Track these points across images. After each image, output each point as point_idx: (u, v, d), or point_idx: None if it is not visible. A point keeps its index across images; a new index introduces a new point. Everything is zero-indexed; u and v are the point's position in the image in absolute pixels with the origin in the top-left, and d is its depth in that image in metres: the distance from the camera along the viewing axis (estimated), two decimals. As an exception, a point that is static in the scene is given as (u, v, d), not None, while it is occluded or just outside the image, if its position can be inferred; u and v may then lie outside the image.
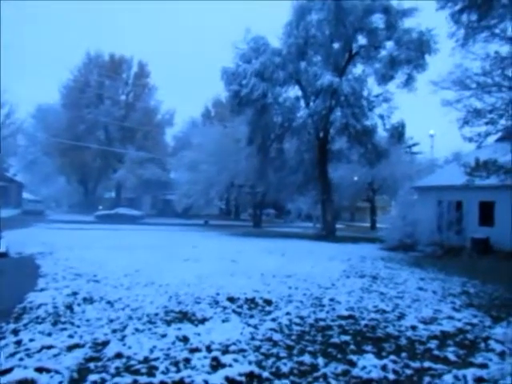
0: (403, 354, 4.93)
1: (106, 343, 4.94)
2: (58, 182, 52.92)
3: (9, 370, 4.03)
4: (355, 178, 35.40)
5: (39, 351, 4.60)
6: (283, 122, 25.45)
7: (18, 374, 3.95)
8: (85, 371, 4.15)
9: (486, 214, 17.97)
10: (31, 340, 4.92)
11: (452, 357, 4.89)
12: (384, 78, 23.26)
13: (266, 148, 26.26)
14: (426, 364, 4.62)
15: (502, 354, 4.94)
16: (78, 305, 6.68)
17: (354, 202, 42.28)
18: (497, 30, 14.18)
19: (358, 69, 25.51)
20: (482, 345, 5.36)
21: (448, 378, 4.18)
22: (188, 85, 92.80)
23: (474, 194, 17.58)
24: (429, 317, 6.68)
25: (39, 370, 4.08)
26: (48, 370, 4.08)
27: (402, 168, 33.64)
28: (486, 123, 14.95)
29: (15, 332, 5.22)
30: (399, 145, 27.70)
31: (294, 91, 25.89)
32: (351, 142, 25.00)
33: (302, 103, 25.76)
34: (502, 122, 14.99)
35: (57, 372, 4.06)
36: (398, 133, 24.40)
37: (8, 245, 13.12)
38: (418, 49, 21.80)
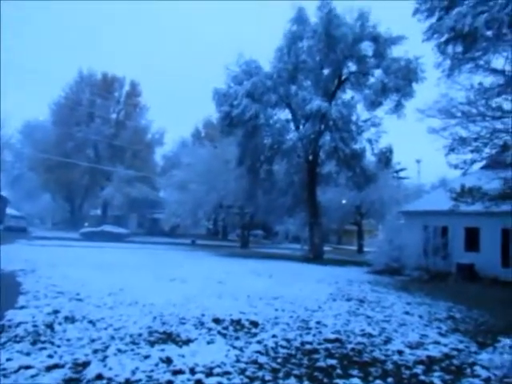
0: (389, 379, 4.88)
1: (86, 364, 4.80)
2: (42, 199, 52.20)
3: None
4: (343, 201, 35.62)
5: (16, 371, 4.44)
6: (273, 144, 25.69)
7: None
8: (63, 393, 4.01)
9: (472, 239, 18.20)
10: (8, 359, 4.76)
11: (438, 382, 4.86)
12: (373, 105, 23.78)
13: (255, 169, 26.38)
14: (413, 389, 4.59)
15: (487, 381, 4.93)
16: (59, 324, 6.50)
17: (341, 225, 42.40)
18: (481, 62, 14.67)
19: (347, 94, 26.14)
20: (468, 370, 5.34)
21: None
22: (179, 105, 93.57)
23: (460, 219, 17.82)
24: (415, 341, 6.65)
25: (15, 391, 3.93)
26: (24, 392, 3.94)
27: (390, 192, 34.02)
28: (471, 151, 15.30)
29: (-8, 351, 5.04)
30: (387, 169, 28.11)
31: (284, 114, 26.36)
32: (340, 165, 25.30)
33: (292, 126, 26.14)
34: (487, 150, 15.35)
35: (34, 393, 3.91)
36: (385, 157, 24.81)
37: (-11, 261, 12.80)
38: (406, 77, 22.37)
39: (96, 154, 47.03)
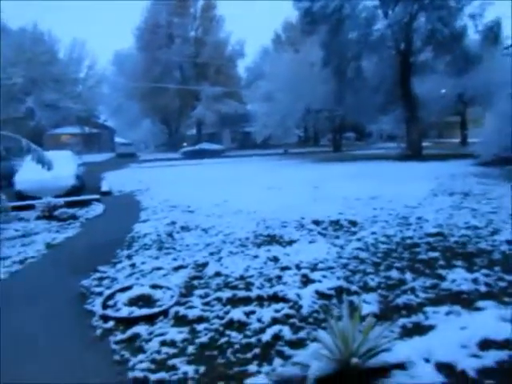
0: (496, 268, 4.83)
1: (205, 264, 5.52)
2: (143, 125, 55.99)
3: (129, 288, 4.73)
4: (443, 91, 32.35)
5: (151, 272, 5.30)
6: (360, 38, 23.56)
7: (137, 291, 4.63)
8: (191, 287, 4.73)
9: None
10: (143, 263, 5.67)
11: (553, 269, 4.68)
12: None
13: (342, 69, 24.78)
14: (522, 277, 4.50)
15: None
16: (177, 232, 7.42)
17: (441, 118, 38.98)
18: None
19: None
20: None
21: (546, 289, 4.06)
22: (256, 12, 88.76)
23: None
24: (527, 231, 6.33)
25: (154, 287, 4.73)
26: (161, 287, 4.73)
27: (499, 74, 29.73)
28: None
29: (129, 257, 6.03)
30: (494, 47, 24.40)
31: (369, 1, 23.64)
32: (437, 50, 22.57)
33: (380, 13, 23.49)
34: None
35: (168, 288, 4.68)
36: (492, 34, 21.47)
37: (109, 185, 14.64)
38: None
39: (182, 75, 48.03)
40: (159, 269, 5.39)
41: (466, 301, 4.01)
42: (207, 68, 46.55)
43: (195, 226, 7.88)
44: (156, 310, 4.11)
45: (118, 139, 51.55)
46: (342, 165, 21.06)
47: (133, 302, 4.35)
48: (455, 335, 3.26)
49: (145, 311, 4.09)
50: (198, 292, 4.56)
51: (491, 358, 2.92)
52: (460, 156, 21.48)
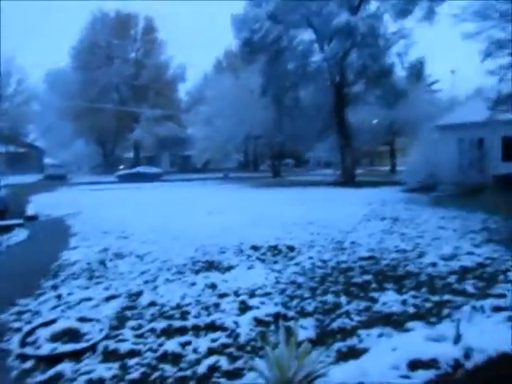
0: (423, 290, 5.10)
1: (139, 293, 5.25)
2: (76, 146, 53.55)
3: (53, 321, 4.37)
4: (374, 122, 34.64)
5: (79, 303, 4.94)
6: (297, 69, 24.69)
7: (62, 324, 4.28)
8: (123, 319, 4.47)
9: (509, 149, 17.59)
10: (70, 294, 5.28)
11: (471, 289, 5.04)
12: (402, 14, 22.05)
13: (280, 97, 25.70)
14: (446, 297, 4.79)
15: (521, 285, 5.06)
16: (110, 260, 7.04)
17: (373, 147, 41.63)
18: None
19: (372, 6, 24.24)
20: (501, 277, 5.48)
21: (466, 308, 4.33)
22: (198, 38, 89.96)
23: (496, 129, 17.11)
24: (449, 254, 6.79)
25: (81, 319, 4.41)
26: (89, 320, 4.41)
27: (422, 107, 32.59)
28: (509, 54, 14.28)
29: (54, 287, 5.59)
30: (418, 83, 26.74)
31: (307, 35, 24.98)
32: (369, 84, 24.22)
33: (316, 47, 24.85)
34: (526, 52, 14.26)
35: (97, 321, 4.38)
36: (416, 71, 23.55)
37: (36, 208, 13.69)
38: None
39: (120, 96, 47.03)
40: (88, 300, 5.05)
41: (397, 322, 4.17)
42: (147, 90, 46.04)
43: (129, 252, 7.55)
44: (83, 345, 3.81)
45: (47, 160, 48.76)
46: (280, 190, 21.51)
47: (57, 337, 4.00)
48: (387, 357, 3.35)
49: (70, 347, 3.77)
50: (130, 323, 4.31)
51: (420, 377, 3.03)
52: (390, 183, 22.84)
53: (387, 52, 23.46)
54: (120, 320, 4.41)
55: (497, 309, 4.26)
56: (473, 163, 18.13)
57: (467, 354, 3.17)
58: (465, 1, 14.54)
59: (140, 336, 4.02)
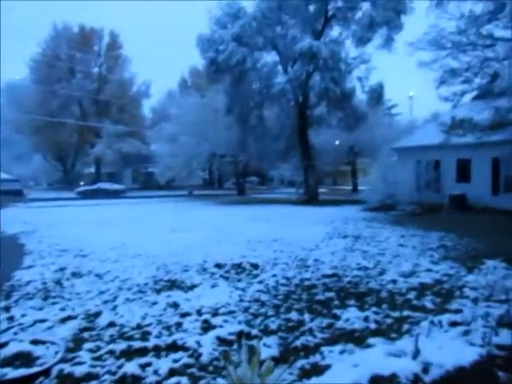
0: (384, 306, 5.21)
1: (98, 314, 5.05)
2: (34, 160, 51.70)
3: (4, 345, 4.12)
4: (336, 143, 35.61)
5: (32, 325, 4.69)
6: (262, 89, 25.17)
7: (13, 348, 4.04)
8: (80, 341, 4.27)
9: (463, 171, 18.51)
10: (23, 315, 5.00)
11: (429, 305, 5.20)
12: (362, 40, 23.01)
13: (245, 116, 25.98)
14: (405, 313, 4.91)
15: (475, 300, 5.27)
16: (67, 279, 6.75)
17: (335, 166, 42.68)
18: (470, -12, 14.13)
19: (334, 31, 25.25)
20: (458, 293, 5.69)
21: (425, 324, 4.46)
22: (164, 55, 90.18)
23: (451, 152, 18.01)
24: (408, 271, 7.01)
25: (35, 342, 4.17)
26: (43, 342, 4.19)
27: (382, 130, 33.93)
28: (462, 82, 15.16)
29: (6, 309, 5.28)
30: (378, 107, 27.84)
31: (270, 57, 25.64)
32: (331, 106, 24.99)
33: (280, 69, 25.47)
34: (477, 80, 15.21)
35: (52, 343, 4.16)
36: (376, 95, 24.44)
37: (-11, 226, 12.98)
38: (394, 8, 21.54)
39: (81, 110, 46.00)
40: (43, 321, 4.80)
41: (359, 338, 4.22)
42: (110, 105, 45.37)
43: (88, 271, 7.27)
44: (36, 369, 3.60)
45: (2, 175, 46.50)
46: (245, 208, 21.52)
47: (7, 361, 3.77)
48: (349, 373, 3.38)
49: (21, 372, 3.55)
50: (87, 345, 4.13)
51: (381, 393, 3.07)
52: (352, 202, 23.41)
53: (348, 76, 24.36)
54: (77, 342, 4.22)
55: (454, 324, 4.41)
56: (430, 184, 18.96)
57: (426, 369, 3.26)
58: (420, 30, 15.39)
59: (98, 358, 3.85)
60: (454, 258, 7.97)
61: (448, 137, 15.61)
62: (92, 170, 49.45)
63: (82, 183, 44.52)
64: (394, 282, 6.36)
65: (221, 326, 4.59)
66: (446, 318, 4.58)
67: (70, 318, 4.92)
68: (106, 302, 5.55)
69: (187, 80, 54.28)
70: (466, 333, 4.05)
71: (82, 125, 42.96)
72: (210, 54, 23.09)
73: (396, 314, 4.92)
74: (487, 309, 4.79)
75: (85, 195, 34.36)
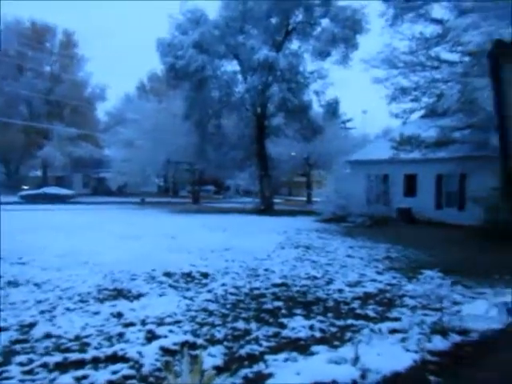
0: (329, 315, 5.31)
1: (33, 324, 4.78)
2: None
3: None
4: (293, 154, 36.22)
5: (-41, 337, 4.35)
6: (221, 97, 25.14)
7: None
8: (10, 354, 4.01)
9: (410, 185, 19.39)
10: (-51, 326, 4.64)
11: (372, 314, 5.37)
12: (321, 55, 23.73)
13: (203, 124, 25.80)
14: (349, 321, 5.04)
15: (413, 308, 5.51)
16: (1, 289, 6.33)
17: (291, 177, 43.42)
18: (422, 11, 15.00)
19: (294, 45, 25.81)
20: (398, 301, 5.92)
21: (366, 331, 4.59)
22: (121, 58, 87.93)
23: (399, 167, 18.83)
24: (354, 280, 7.21)
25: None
26: (-31, 355, 3.90)
27: (337, 143, 34.93)
28: (411, 100, 15.97)
29: None
30: (334, 120, 28.64)
31: (231, 66, 25.79)
32: (288, 117, 25.41)
33: (240, 78, 25.64)
34: (425, 99, 16.08)
35: (-21, 356, 3.88)
36: (332, 109, 25.14)
37: None
38: (352, 27, 22.40)
39: (30, 110, 43.78)
40: (-30, 332, 4.47)
41: (303, 347, 4.27)
42: (62, 107, 43.62)
43: (26, 280, 6.86)
44: (-43, 384, 3.34)
45: None
46: (199, 216, 21.31)
47: None
48: (291, 380, 3.41)
49: None
50: (19, 358, 3.88)
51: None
52: (306, 213, 23.81)
53: (306, 89, 24.92)
54: (7, 355, 3.95)
55: (393, 331, 4.57)
56: (379, 197, 19.67)
57: (364, 375, 3.34)
58: (375, 48, 16.11)
59: (29, 372, 3.62)
60: (397, 269, 8.30)
61: (397, 152, 16.34)
62: (39, 173, 47.11)
63: (25, 187, 42.15)
64: (341, 291, 6.51)
65: (165, 336, 4.48)
66: (386, 325, 4.74)
67: (1, 329, 4.61)
68: (42, 312, 5.26)
69: (146, 84, 53.40)
70: (404, 340, 4.21)
71: (30, 125, 40.85)
72: (169, 59, 22.86)
73: (340, 322, 5.02)
74: (423, 317, 5.01)
75: (29, 200, 32.59)
